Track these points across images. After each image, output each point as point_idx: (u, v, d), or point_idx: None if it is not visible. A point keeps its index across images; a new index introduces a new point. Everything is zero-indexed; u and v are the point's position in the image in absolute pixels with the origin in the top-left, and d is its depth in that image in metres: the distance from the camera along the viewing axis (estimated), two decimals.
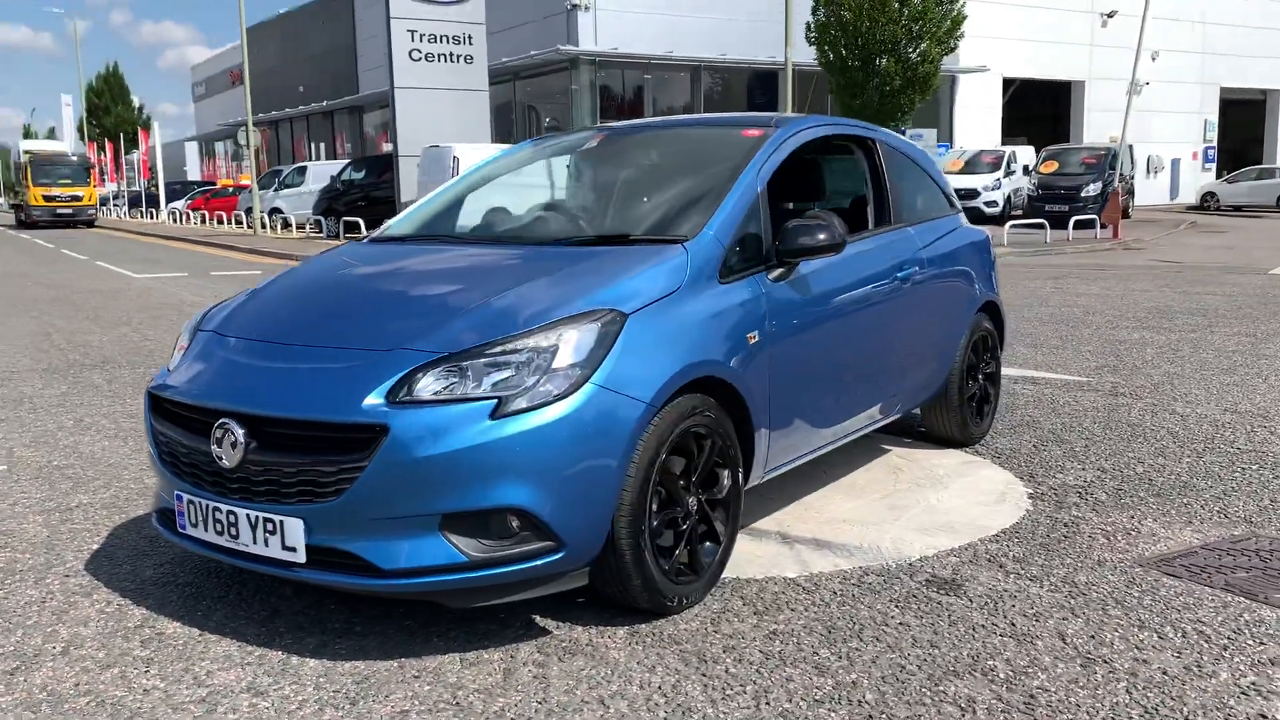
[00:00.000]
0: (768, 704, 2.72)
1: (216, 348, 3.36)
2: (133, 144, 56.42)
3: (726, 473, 3.44)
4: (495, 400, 2.84)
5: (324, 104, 45.01)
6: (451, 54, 25.51)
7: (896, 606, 3.34)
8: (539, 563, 2.90)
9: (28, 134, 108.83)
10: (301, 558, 2.89)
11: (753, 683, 2.83)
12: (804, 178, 4.45)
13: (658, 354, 3.11)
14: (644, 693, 2.78)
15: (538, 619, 3.26)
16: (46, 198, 42.11)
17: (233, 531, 3.00)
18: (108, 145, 60.72)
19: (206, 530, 3.07)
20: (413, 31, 25.14)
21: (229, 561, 3.10)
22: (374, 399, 2.85)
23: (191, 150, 68.72)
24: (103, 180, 53.98)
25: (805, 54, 22.77)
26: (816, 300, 3.86)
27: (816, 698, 2.75)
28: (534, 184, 4.65)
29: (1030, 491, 4.58)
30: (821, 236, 3.70)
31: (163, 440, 3.27)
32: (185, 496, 3.13)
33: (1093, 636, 3.11)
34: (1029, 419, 5.96)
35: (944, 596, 3.42)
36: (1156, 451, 5.23)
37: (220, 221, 33.85)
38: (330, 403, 2.89)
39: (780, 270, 3.71)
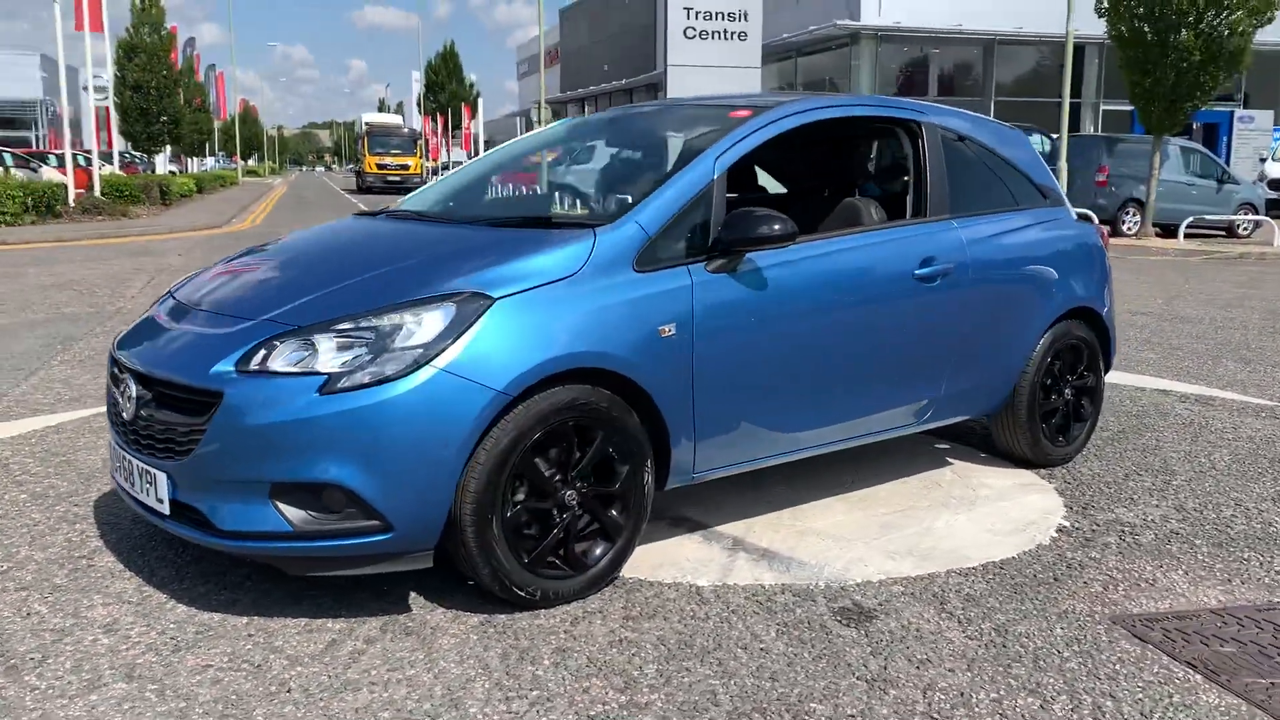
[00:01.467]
0: (538, 713, 2.60)
1: (159, 306, 3.63)
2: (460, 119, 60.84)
3: (627, 469, 3.30)
4: (326, 376, 2.88)
5: (623, 82, 46.44)
6: (725, 31, 25.57)
7: (778, 630, 3.08)
8: (365, 540, 2.92)
9: (382, 107, 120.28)
10: (166, 509, 3.07)
11: (544, 689, 2.72)
12: (818, 162, 4.14)
13: (525, 340, 3.03)
14: (431, 682, 2.75)
15: (413, 595, 3.28)
16: (379, 165, 46.60)
17: (130, 479, 3.23)
18: (439, 119, 65.87)
19: (118, 475, 3.33)
20: (689, 9, 25.40)
21: (133, 506, 3.34)
22: (223, 366, 2.97)
23: (519, 125, 73.19)
24: (430, 151, 58.64)
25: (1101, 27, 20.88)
26: (775, 296, 3.59)
27: (590, 714, 2.60)
28: (534, 165, 4.60)
29: (1066, 525, 4.05)
30: (769, 228, 3.44)
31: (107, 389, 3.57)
32: (110, 441, 3.41)
33: (962, 694, 2.73)
34: (1151, 443, 5.26)
35: (842, 628, 3.11)
36: (1275, 496, 4.46)
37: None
38: (187, 367, 3.04)
39: (721, 262, 3.48)
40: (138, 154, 35.70)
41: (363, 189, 45.33)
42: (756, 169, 5.08)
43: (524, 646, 2.95)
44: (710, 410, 3.48)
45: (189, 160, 51.64)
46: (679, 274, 3.39)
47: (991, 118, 5.04)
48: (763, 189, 5.13)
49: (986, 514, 4.16)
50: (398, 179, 45.57)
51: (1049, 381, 4.74)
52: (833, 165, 4.54)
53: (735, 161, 3.69)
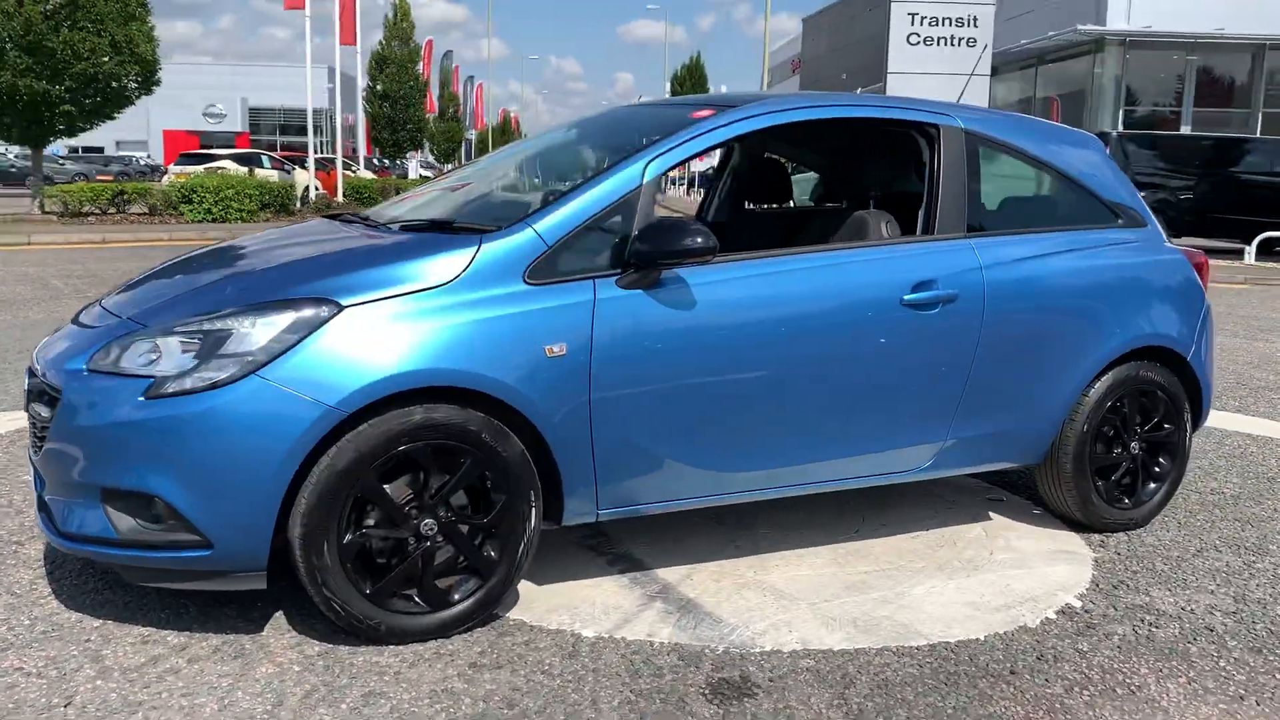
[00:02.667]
0: None
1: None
2: None
3: (503, 500, 3.01)
4: (151, 380, 2.76)
5: (859, 91, 45.35)
6: (952, 37, 24.41)
7: (624, 700, 2.70)
8: (185, 555, 2.78)
9: None
10: (37, 505, 3.06)
11: None
12: (851, 171, 3.69)
13: (371, 353, 2.80)
14: (215, 714, 2.57)
15: (278, 615, 3.13)
16: None
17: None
18: None
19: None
20: (914, 14, 24.44)
21: None
22: (76, 363, 2.91)
23: None
24: None
25: None
26: (704, 319, 3.19)
27: None
28: (497, 173, 4.32)
29: (1075, 605, 3.41)
30: (690, 241, 3.06)
31: None
32: None
33: None
34: (1265, 514, 4.41)
35: (704, 704, 2.70)
36: None
37: None
38: (53, 362, 3.00)
39: (634, 277, 3.12)
40: (386, 159, 38.09)
41: None
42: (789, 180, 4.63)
43: (338, 685, 2.72)
44: (615, 442, 3.13)
45: (443, 166, 54.72)
46: (581, 289, 3.06)
47: (1058, 123, 4.35)
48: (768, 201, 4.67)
49: (985, 583, 3.56)
50: None
51: (1108, 432, 4.04)
52: (861, 175, 4.04)
53: (673, 166, 3.31)
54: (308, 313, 2.80)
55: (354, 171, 32.74)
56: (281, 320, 2.79)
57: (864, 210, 3.94)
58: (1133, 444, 4.08)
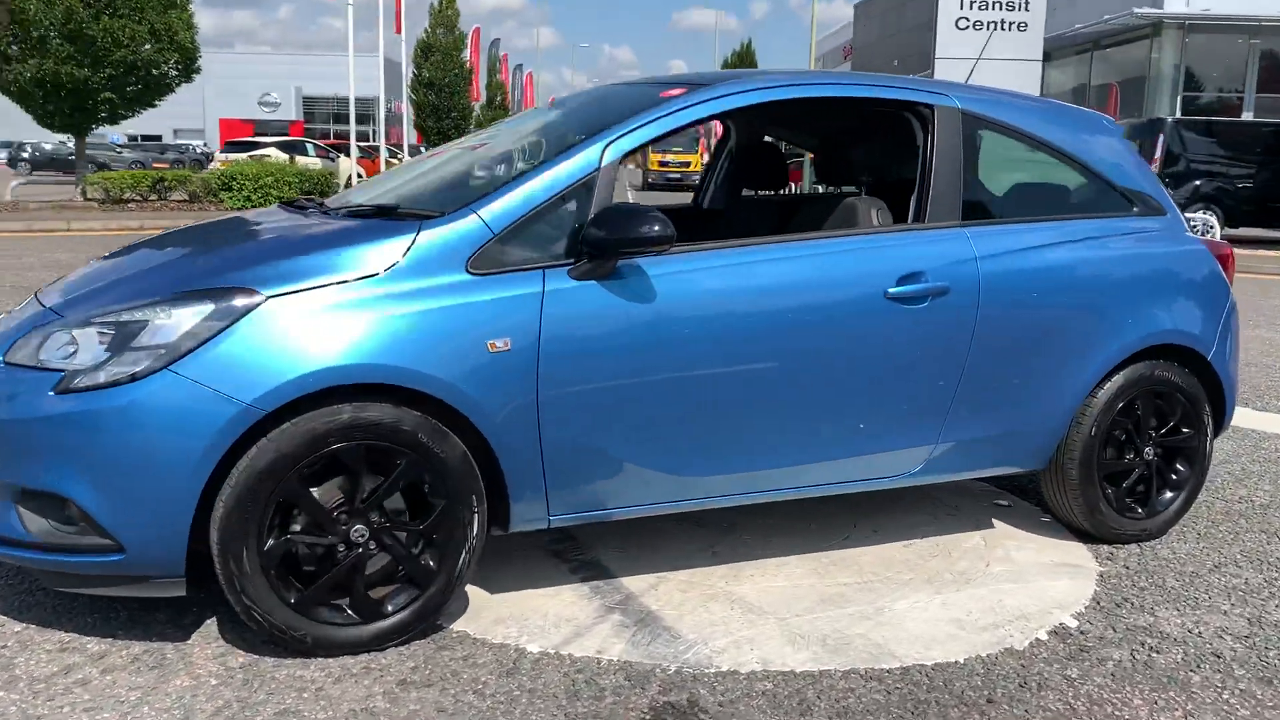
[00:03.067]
0: None
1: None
2: None
3: (442, 505, 2.82)
4: (62, 373, 2.60)
5: (911, 78, 44.58)
6: (1003, 21, 23.77)
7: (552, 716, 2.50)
8: (96, 560, 2.63)
9: None
10: None
11: None
12: (847, 154, 3.45)
13: (294, 347, 2.62)
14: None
15: (209, 623, 2.97)
16: (661, 163, 47.28)
17: None
18: None
19: None
20: None
21: None
22: None
23: None
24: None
25: None
26: (663, 312, 2.97)
27: None
28: (468, 155, 4.11)
29: (1070, 626, 3.14)
30: (647, 228, 2.85)
31: None
32: None
33: None
34: None
35: None
36: None
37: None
38: None
39: (587, 267, 2.91)
40: (430, 147, 38.17)
41: (645, 185, 46.14)
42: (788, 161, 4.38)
43: (252, 701, 2.55)
44: (566, 444, 2.92)
45: None
46: (529, 279, 2.86)
47: (1069, 104, 4.05)
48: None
49: (974, 598, 3.30)
50: (678, 176, 46.01)
51: (1119, 436, 3.75)
52: (851, 159, 3.78)
53: (636, 148, 3.09)
54: (227, 303, 2.63)
55: (399, 159, 32.83)
56: (198, 311, 2.61)
57: (854, 197, 3.68)
58: (1146, 449, 3.79)
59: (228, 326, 2.60)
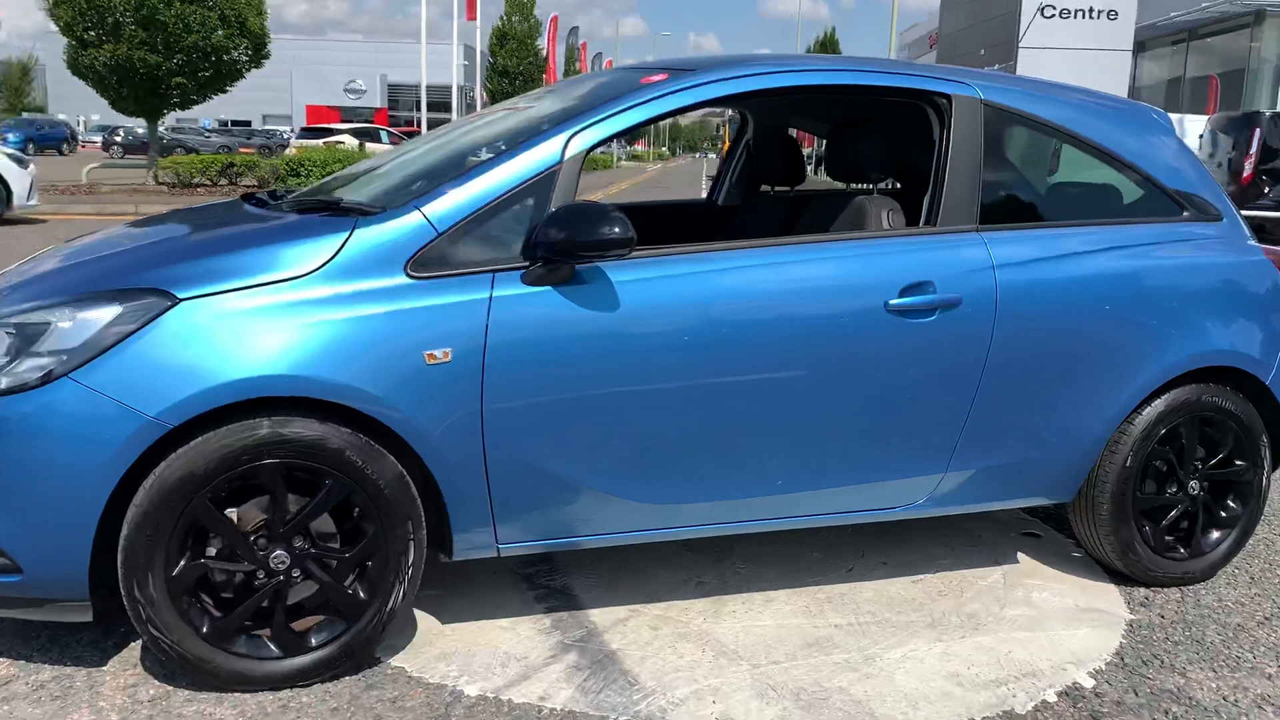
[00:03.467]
0: None
1: None
2: None
3: (374, 531, 2.57)
4: None
5: (996, 68, 43.38)
6: (1091, 9, 22.82)
7: None
8: None
9: None
10: None
11: None
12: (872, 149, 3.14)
13: (207, 355, 2.39)
14: None
15: (131, 648, 2.76)
16: None
17: None
18: None
19: None
20: None
21: None
22: None
23: None
24: None
25: None
26: (626, 323, 2.68)
27: None
28: (448, 144, 3.81)
29: (1085, 686, 2.78)
30: (608, 230, 2.55)
31: None
32: None
33: None
34: None
35: None
36: None
37: None
38: None
39: (541, 272, 2.63)
40: None
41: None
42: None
43: None
44: (515, 465, 2.65)
45: None
46: (476, 284, 2.58)
47: (1113, 95, 3.63)
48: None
49: (980, 648, 2.95)
50: None
51: (1160, 467, 3.35)
52: (861, 155, 3.42)
53: (604, 141, 2.79)
54: (136, 305, 2.40)
55: None
56: (104, 314, 2.39)
57: (865, 196, 3.33)
58: (1191, 483, 3.38)
59: (135, 331, 2.38)
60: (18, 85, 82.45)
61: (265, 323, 2.43)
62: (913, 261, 2.96)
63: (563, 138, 2.74)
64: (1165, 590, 3.39)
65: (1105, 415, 3.21)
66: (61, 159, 36.89)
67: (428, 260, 2.57)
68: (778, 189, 4.17)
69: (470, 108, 37.45)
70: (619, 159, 63.95)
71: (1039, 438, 3.17)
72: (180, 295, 2.42)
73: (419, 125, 26.29)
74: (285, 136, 52.51)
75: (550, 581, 3.26)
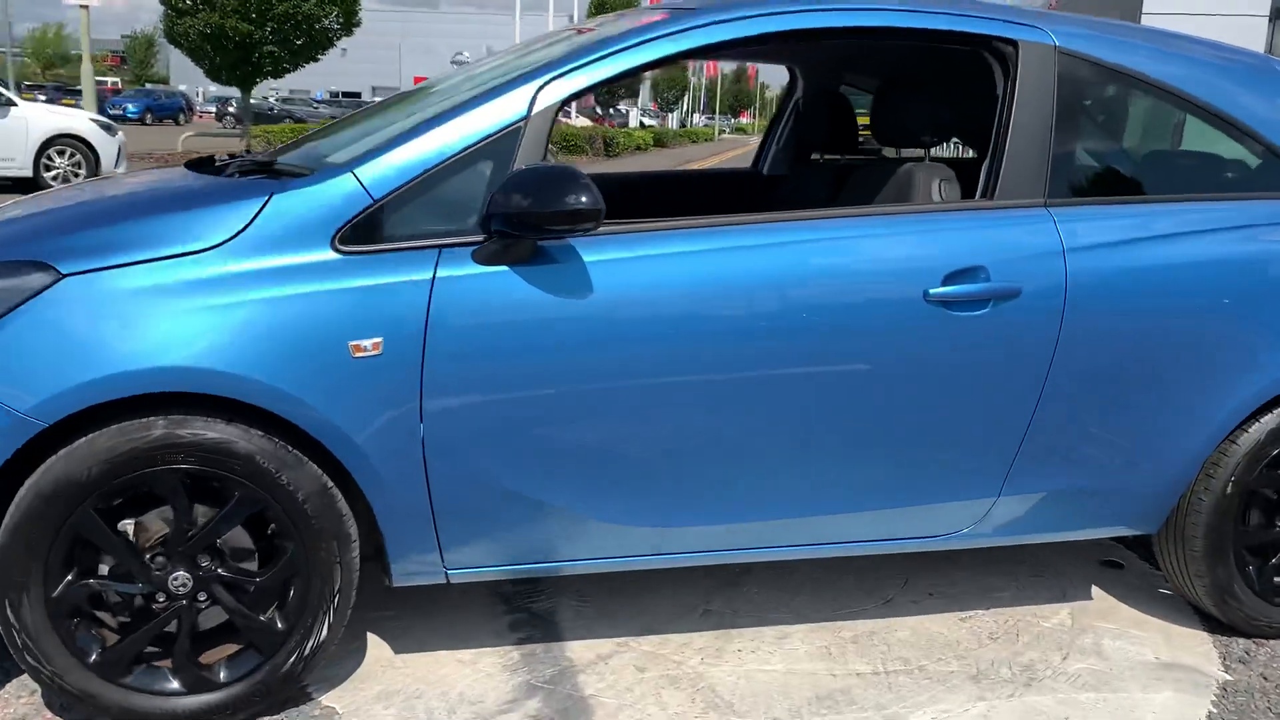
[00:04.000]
0: None
1: None
2: None
3: (293, 549, 2.19)
4: None
5: None
6: None
7: None
8: None
9: None
10: None
11: None
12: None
13: (92, 341, 2.02)
14: None
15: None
16: None
17: None
18: None
19: None
20: None
21: None
22: None
23: None
24: None
25: None
26: (600, 312, 2.23)
27: None
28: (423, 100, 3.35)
29: None
30: (572, 200, 2.11)
31: None
32: None
33: None
34: None
35: None
36: None
37: None
38: None
39: (495, 248, 2.19)
40: (599, 108, 37.80)
41: None
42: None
43: None
44: (462, 477, 2.23)
45: (669, 115, 54.15)
46: (417, 261, 2.17)
47: (1226, 44, 3.01)
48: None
49: (1031, 712, 2.44)
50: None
51: (1269, 495, 2.77)
52: (909, 114, 2.88)
53: (583, 92, 2.34)
54: (11, 282, 2.04)
55: (572, 119, 32.64)
56: None
57: (914, 164, 2.81)
58: None
59: (8, 312, 2.02)
60: (143, 57, 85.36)
61: (160, 305, 2.05)
62: (961, 242, 2.43)
63: (531, 88, 2.29)
64: (1270, 643, 2.82)
65: (1202, 432, 2.64)
66: (176, 128, 37.84)
67: (360, 233, 2.16)
68: (828, 156, 3.65)
69: None
70: (721, 131, 62.99)
71: (1115, 457, 2.63)
72: (64, 269, 2.06)
73: None
74: None
75: (532, 603, 2.84)
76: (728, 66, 76.43)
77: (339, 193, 2.17)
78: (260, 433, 2.11)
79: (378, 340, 2.12)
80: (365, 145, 2.31)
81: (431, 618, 2.73)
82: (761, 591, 2.98)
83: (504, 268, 2.19)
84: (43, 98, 34.36)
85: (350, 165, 2.20)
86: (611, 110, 38.25)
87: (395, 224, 2.18)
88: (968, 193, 2.64)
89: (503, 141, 2.24)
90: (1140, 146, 2.89)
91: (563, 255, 2.21)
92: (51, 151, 12.67)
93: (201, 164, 2.81)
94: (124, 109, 43.15)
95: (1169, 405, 2.60)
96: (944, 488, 2.55)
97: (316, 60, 20.67)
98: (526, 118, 2.26)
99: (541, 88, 2.29)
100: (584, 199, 2.10)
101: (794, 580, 3.04)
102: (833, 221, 2.41)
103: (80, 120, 13.29)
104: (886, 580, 3.08)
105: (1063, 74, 2.57)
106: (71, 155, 12.73)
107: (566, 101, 2.32)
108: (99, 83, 55.21)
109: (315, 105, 52.20)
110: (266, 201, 2.15)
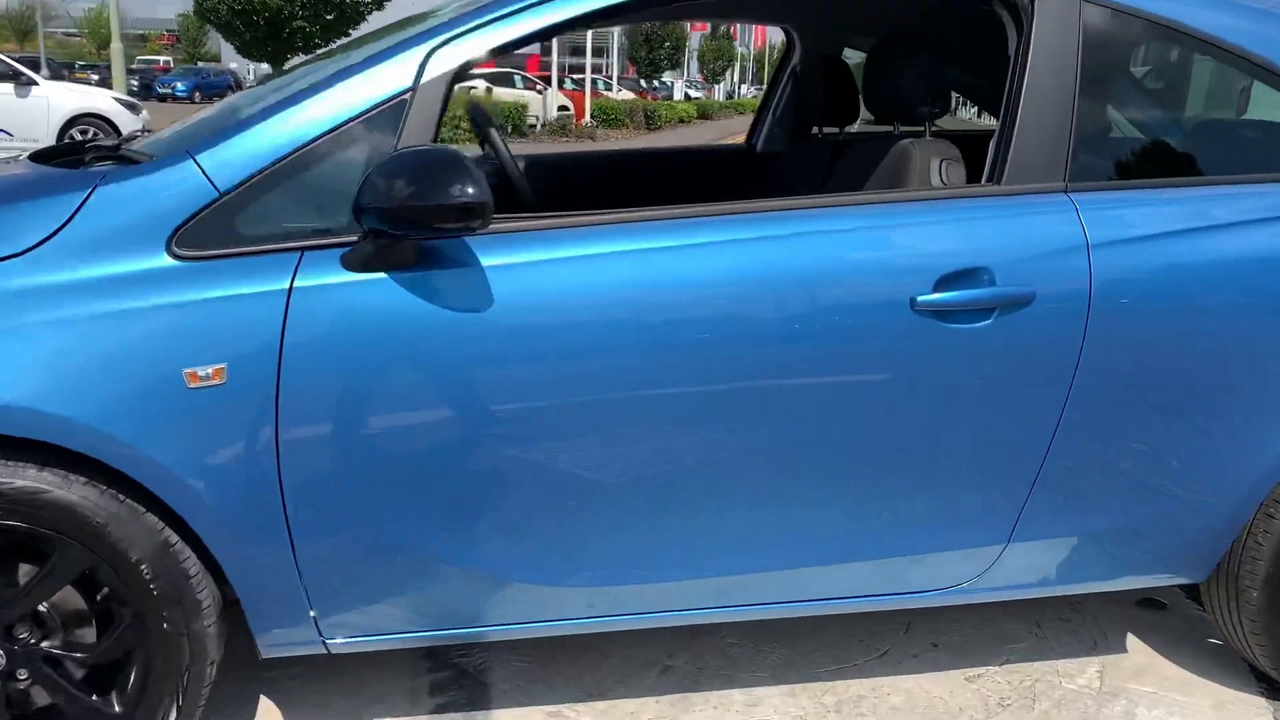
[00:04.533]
0: None
1: None
2: None
3: (129, 619, 1.81)
4: None
5: None
6: None
7: None
8: None
9: None
10: None
11: None
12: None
13: None
14: None
15: None
16: None
17: None
18: None
19: None
20: None
21: None
22: None
23: None
24: None
25: None
26: (511, 326, 1.81)
27: None
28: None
29: None
30: (457, 191, 1.68)
31: None
32: None
33: None
34: None
35: None
36: None
37: None
38: None
39: (370, 251, 1.78)
40: (644, 81, 37.18)
41: None
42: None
43: None
44: (333, 532, 1.83)
45: (715, 87, 53.30)
46: (272, 268, 1.76)
47: None
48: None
49: None
50: None
51: None
52: (907, 80, 2.41)
53: (484, 58, 1.90)
54: None
55: (613, 92, 32.13)
56: None
57: (910, 140, 2.35)
58: None
59: None
60: (195, 36, 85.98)
61: None
62: (959, 238, 1.97)
63: (419, 53, 1.87)
64: None
65: (1259, 464, 2.16)
66: None
67: (203, 233, 1.76)
68: (826, 131, 3.19)
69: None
70: None
71: (1152, 493, 2.16)
72: None
73: (552, 70, 25.64)
74: None
75: (464, 659, 2.45)
76: (776, 35, 75.19)
77: (176, 184, 1.77)
78: (83, 479, 1.72)
79: (219, 367, 1.72)
80: (217, 124, 1.90)
81: (342, 675, 2.35)
82: (736, 642, 2.55)
83: (379, 275, 1.77)
84: (95, 77, 34.57)
85: (191, 150, 1.79)
86: (656, 83, 37.61)
87: (246, 222, 1.78)
88: (977, 175, 2.18)
89: (382, 118, 1.83)
90: (1190, 116, 2.39)
91: (455, 258, 1.80)
92: (74, 131, 12.51)
93: (50, 154, 2.40)
94: (173, 88, 43.35)
95: (1220, 431, 2.13)
96: (937, 534, 2.10)
97: (348, 35, 20.34)
98: (413, 89, 1.84)
99: (432, 53, 1.86)
100: (470, 190, 1.67)
101: (774, 628, 2.61)
102: (798, 213, 1.96)
103: (103, 99, 13.13)
104: (887, 626, 2.65)
105: (1089, 27, 2.09)
106: (94, 134, 12.56)
107: (465, 68, 1.89)
108: (150, 62, 55.58)
109: None
110: (87, 198, 1.75)
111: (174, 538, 1.79)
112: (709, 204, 1.93)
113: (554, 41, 25.64)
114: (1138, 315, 2.03)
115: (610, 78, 32.52)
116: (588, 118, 24.62)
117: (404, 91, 1.84)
